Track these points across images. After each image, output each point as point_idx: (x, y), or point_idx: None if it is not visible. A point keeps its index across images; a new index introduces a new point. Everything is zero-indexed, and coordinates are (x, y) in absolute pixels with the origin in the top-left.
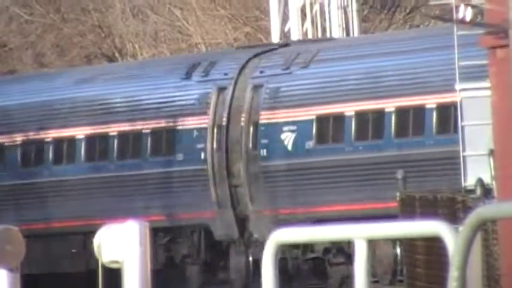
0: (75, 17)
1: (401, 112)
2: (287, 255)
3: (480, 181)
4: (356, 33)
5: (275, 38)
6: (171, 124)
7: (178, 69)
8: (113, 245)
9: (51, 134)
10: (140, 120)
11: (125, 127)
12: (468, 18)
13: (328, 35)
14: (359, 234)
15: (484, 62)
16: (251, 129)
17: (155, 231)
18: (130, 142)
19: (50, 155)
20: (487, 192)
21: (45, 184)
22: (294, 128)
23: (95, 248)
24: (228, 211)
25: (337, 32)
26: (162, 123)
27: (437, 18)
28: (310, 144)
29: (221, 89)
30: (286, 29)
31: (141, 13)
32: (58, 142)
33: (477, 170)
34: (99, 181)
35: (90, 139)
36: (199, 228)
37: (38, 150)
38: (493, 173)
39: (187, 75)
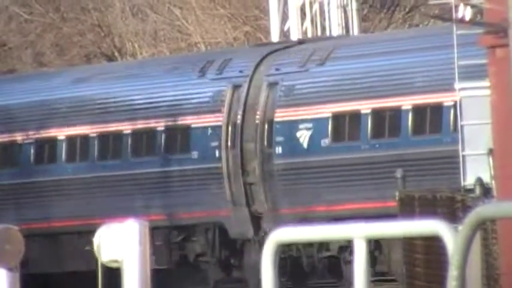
0: (74, 16)
1: (418, 110)
2: (302, 253)
3: (479, 180)
4: (355, 33)
5: (274, 37)
6: (185, 122)
7: (193, 67)
8: (112, 244)
9: (64, 133)
10: (154, 118)
11: (139, 125)
12: (468, 18)
13: (327, 34)
14: (358, 234)
15: (484, 61)
16: (266, 127)
17: (169, 230)
18: (144, 140)
19: (69, 152)
20: (486, 191)
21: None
22: (309, 125)
23: (95, 248)
24: (243, 209)
25: (336, 32)
26: (176, 121)
27: (437, 17)
28: (326, 142)
29: (236, 87)
30: (285, 28)
31: (141, 12)
32: (69, 140)
33: (476, 169)
34: (112, 179)
35: (102, 138)
36: (214, 226)
37: (50, 148)
38: (492, 172)
39: (202, 73)
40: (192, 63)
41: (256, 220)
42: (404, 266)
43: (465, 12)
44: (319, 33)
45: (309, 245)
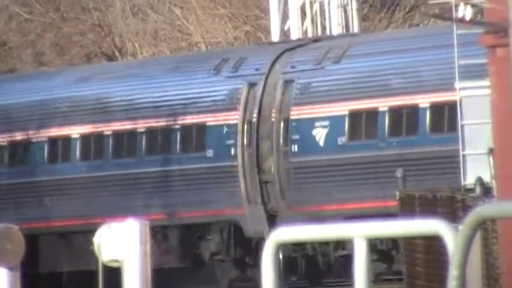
0: (74, 16)
1: (435, 108)
2: (318, 252)
3: (480, 180)
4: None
5: (275, 36)
6: (200, 120)
7: (207, 65)
8: (113, 244)
9: (78, 130)
10: (169, 116)
11: (153, 123)
12: (468, 17)
13: (328, 33)
14: (358, 233)
15: (484, 60)
16: (282, 125)
17: (184, 228)
18: (159, 138)
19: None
20: (486, 191)
21: (75, 181)
22: (326, 123)
23: (95, 247)
24: (259, 207)
25: (336, 31)
26: (192, 120)
27: (437, 17)
28: (342, 140)
29: (252, 85)
30: (286, 28)
31: (141, 12)
32: (84, 138)
33: (477, 168)
34: (127, 177)
35: (117, 136)
36: (229, 225)
37: (57, 147)
38: (492, 172)
39: (217, 71)
40: (206, 61)
41: (271, 218)
42: (405, 265)
43: (465, 12)
44: (319, 32)
45: (325, 243)
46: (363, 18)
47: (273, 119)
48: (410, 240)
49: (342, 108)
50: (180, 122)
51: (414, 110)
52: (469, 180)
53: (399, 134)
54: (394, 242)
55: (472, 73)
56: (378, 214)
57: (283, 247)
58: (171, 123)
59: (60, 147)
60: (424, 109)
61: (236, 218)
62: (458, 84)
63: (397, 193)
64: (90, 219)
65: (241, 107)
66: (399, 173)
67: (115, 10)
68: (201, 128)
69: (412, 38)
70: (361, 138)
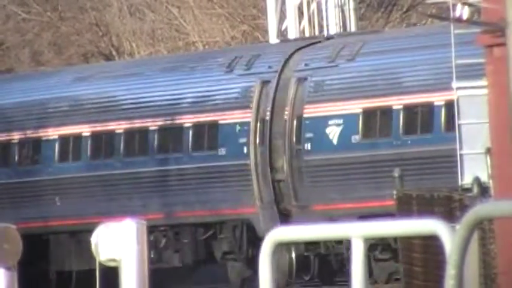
0: (72, 16)
1: (451, 106)
2: (331, 251)
3: (477, 180)
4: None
5: (272, 36)
6: (212, 118)
7: (220, 63)
8: (110, 244)
9: (89, 129)
10: (181, 114)
11: (165, 122)
12: (465, 17)
13: (325, 33)
14: (356, 233)
15: (481, 60)
16: (295, 123)
17: (195, 227)
18: (171, 137)
19: (89, 150)
20: (483, 190)
21: (83, 179)
22: (339, 121)
23: (93, 247)
24: (271, 206)
25: (334, 31)
26: (204, 118)
27: (434, 16)
28: (356, 138)
29: (265, 82)
30: (283, 28)
31: (139, 11)
32: (95, 136)
33: (474, 168)
34: (136, 176)
35: (128, 134)
36: (241, 224)
37: (73, 145)
38: (489, 171)
39: (229, 69)
40: (219, 59)
41: (284, 217)
42: (403, 265)
43: (462, 12)
44: (316, 32)
45: (339, 242)
46: (360, 18)
47: (285, 117)
48: (408, 240)
49: (356, 106)
50: (192, 120)
51: (429, 108)
52: (466, 180)
53: (414, 132)
54: None
55: (471, 72)
56: (391, 213)
57: (295, 246)
58: (183, 121)
59: (71, 145)
60: (439, 107)
61: (248, 217)
62: (455, 84)
63: (395, 193)
64: (96, 219)
65: (254, 105)
66: (396, 172)
67: (112, 10)
68: (214, 126)
69: (427, 35)
70: (375, 136)
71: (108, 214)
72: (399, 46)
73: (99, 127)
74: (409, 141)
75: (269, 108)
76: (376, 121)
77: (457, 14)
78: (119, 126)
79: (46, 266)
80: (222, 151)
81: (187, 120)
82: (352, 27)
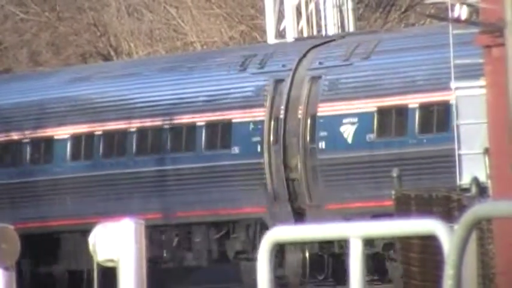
0: (70, 16)
1: None
2: (345, 250)
3: (475, 180)
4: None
5: (270, 36)
6: (226, 117)
7: (234, 61)
8: (108, 244)
9: (102, 127)
10: (194, 113)
11: (178, 120)
12: (463, 17)
13: (323, 33)
14: (354, 233)
15: (480, 60)
16: (309, 121)
17: (208, 226)
18: (184, 135)
19: (101, 149)
20: (482, 190)
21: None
22: (354, 120)
23: (90, 247)
24: (285, 205)
25: (332, 31)
26: (217, 116)
27: (433, 17)
28: (371, 137)
29: (278, 81)
30: (281, 28)
31: (137, 12)
32: (107, 135)
33: (472, 168)
34: (148, 175)
35: (140, 132)
36: (255, 222)
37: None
38: (488, 171)
39: (243, 67)
40: (233, 58)
41: (298, 216)
42: (401, 265)
43: (461, 12)
44: (314, 33)
45: None
46: (358, 18)
47: (299, 116)
48: (406, 240)
49: (371, 105)
50: (205, 118)
51: (445, 106)
52: (465, 180)
53: (430, 130)
54: None
55: (469, 72)
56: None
57: (309, 245)
58: (196, 120)
59: (83, 144)
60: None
61: (262, 216)
62: (453, 84)
63: (393, 193)
64: (109, 218)
65: (267, 103)
66: (395, 172)
67: (110, 10)
68: (227, 124)
69: (444, 33)
70: (391, 135)
71: (122, 213)
72: (415, 44)
73: (111, 126)
74: (425, 140)
75: (283, 107)
76: (391, 120)
77: (456, 14)
78: (132, 125)
79: (56, 265)
80: (235, 150)
81: (201, 119)
82: (351, 27)
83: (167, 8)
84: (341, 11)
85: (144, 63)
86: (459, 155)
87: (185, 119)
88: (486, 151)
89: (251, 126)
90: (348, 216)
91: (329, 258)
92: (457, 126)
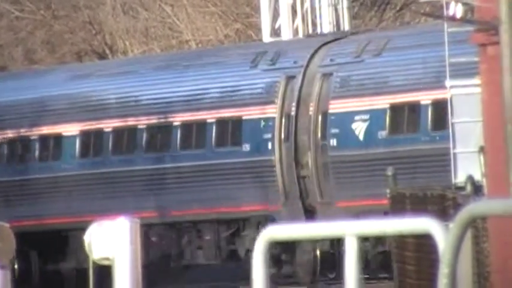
0: (65, 14)
1: None
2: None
3: (470, 178)
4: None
5: (265, 35)
6: (236, 114)
7: (245, 58)
8: (103, 242)
9: (111, 124)
10: (204, 110)
11: (189, 117)
12: (458, 15)
13: (318, 32)
14: (349, 231)
15: (475, 59)
16: (320, 118)
17: (218, 224)
18: (194, 132)
19: (111, 146)
20: (477, 189)
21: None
22: (366, 117)
23: (86, 245)
24: (296, 203)
25: (327, 29)
26: (228, 113)
27: (428, 15)
28: (383, 134)
29: (290, 78)
30: (276, 26)
31: (132, 10)
32: (117, 131)
33: (467, 167)
34: (158, 172)
35: (151, 129)
36: (266, 220)
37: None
38: (483, 170)
39: (254, 64)
40: (244, 54)
41: (309, 214)
42: (395, 263)
43: (456, 10)
44: (310, 31)
45: (365, 239)
46: (353, 17)
47: (311, 113)
48: (401, 239)
49: (383, 102)
50: (216, 115)
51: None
52: (460, 178)
53: (442, 128)
54: None
55: (465, 71)
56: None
57: (320, 243)
58: (206, 117)
59: (95, 142)
60: None
61: (273, 214)
62: (448, 83)
63: (388, 191)
64: (119, 215)
65: (278, 100)
66: (390, 171)
67: (105, 8)
68: (238, 121)
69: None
70: (403, 132)
71: (131, 210)
72: (426, 41)
73: (120, 122)
74: (437, 137)
75: (294, 104)
76: (404, 117)
77: (451, 12)
78: (141, 122)
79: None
80: (246, 147)
81: (211, 116)
82: (346, 26)
83: (162, 6)
84: (336, 10)
85: (155, 60)
86: (454, 154)
87: (196, 116)
88: (481, 149)
89: (262, 123)
90: (359, 213)
91: (340, 256)
92: (452, 124)
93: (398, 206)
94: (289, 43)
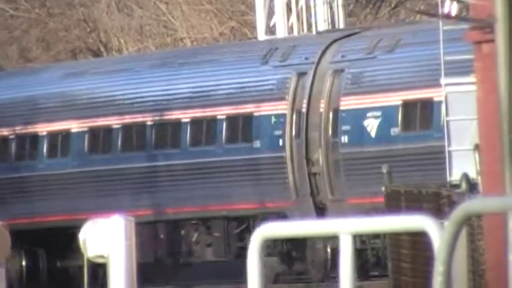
0: (60, 12)
1: None
2: (367, 245)
3: (465, 176)
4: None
5: (260, 32)
6: (247, 110)
7: (256, 54)
8: (98, 240)
9: (120, 121)
10: (215, 106)
11: (199, 113)
12: (453, 13)
13: (313, 30)
14: (344, 229)
15: (470, 56)
16: (331, 115)
17: (228, 221)
18: (204, 129)
19: (122, 143)
20: (472, 187)
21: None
22: (378, 114)
23: (81, 243)
24: (307, 200)
25: (322, 27)
26: (239, 110)
27: (423, 13)
28: (395, 130)
29: (301, 74)
30: (271, 24)
31: (127, 7)
32: (125, 128)
33: (462, 164)
34: (169, 169)
35: (159, 126)
36: (276, 217)
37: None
38: (478, 167)
39: (265, 60)
40: (255, 51)
41: (320, 211)
42: (390, 261)
43: (451, 8)
44: (305, 29)
45: (376, 236)
46: (348, 14)
47: (322, 110)
48: (396, 236)
49: (395, 98)
50: (226, 112)
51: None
52: (455, 176)
53: None
54: None
55: (460, 69)
56: None
57: (331, 241)
58: (217, 113)
59: (101, 139)
60: None
61: (284, 211)
62: (443, 81)
63: (383, 189)
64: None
65: (289, 96)
66: (385, 168)
67: (100, 5)
68: (249, 118)
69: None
70: (416, 129)
71: (140, 206)
72: (439, 37)
73: (128, 119)
74: None
75: (305, 100)
76: (416, 113)
77: (446, 10)
78: (149, 119)
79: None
80: (257, 143)
81: (222, 112)
82: (341, 23)
83: (157, 3)
84: (331, 7)
85: (162, 56)
86: (449, 152)
87: (206, 112)
88: (476, 147)
89: (273, 119)
90: (370, 211)
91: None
92: (447, 122)
93: (393, 203)
94: (301, 39)
